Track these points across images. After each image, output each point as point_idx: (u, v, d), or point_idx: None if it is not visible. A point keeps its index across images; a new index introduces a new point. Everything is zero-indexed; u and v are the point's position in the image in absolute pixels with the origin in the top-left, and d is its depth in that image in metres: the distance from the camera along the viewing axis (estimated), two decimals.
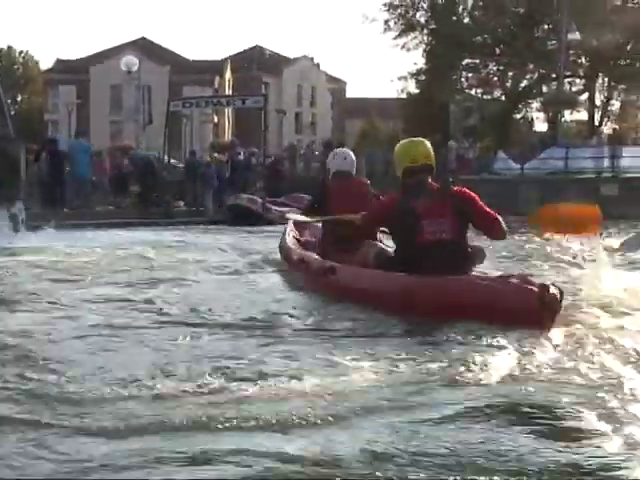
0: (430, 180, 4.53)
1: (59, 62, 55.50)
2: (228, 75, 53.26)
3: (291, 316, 4.30)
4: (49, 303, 5.02)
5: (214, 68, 51.74)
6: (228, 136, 45.89)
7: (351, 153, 6.17)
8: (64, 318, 4.50)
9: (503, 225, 4.46)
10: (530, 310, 3.55)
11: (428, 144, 4.72)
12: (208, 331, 4.00)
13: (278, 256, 6.45)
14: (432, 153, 4.65)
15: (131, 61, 25.75)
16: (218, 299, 4.98)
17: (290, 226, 6.53)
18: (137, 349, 3.69)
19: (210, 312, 4.50)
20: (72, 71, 51.77)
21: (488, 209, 4.46)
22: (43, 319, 4.47)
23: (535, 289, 3.65)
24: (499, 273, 4.41)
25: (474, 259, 4.46)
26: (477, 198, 4.48)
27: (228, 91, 49.56)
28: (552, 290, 3.67)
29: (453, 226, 4.37)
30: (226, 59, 54.94)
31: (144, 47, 48.23)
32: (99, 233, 11.37)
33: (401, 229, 4.49)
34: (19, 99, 60.76)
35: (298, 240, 6.29)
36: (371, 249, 4.67)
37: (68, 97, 44.46)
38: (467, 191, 4.51)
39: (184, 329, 4.04)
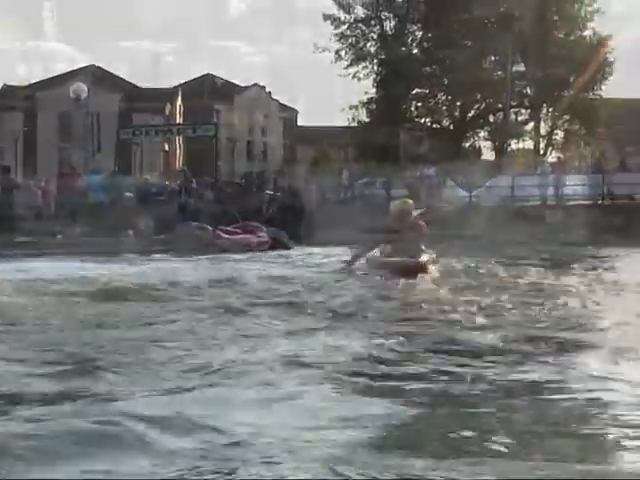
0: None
1: (5, 88, 54.64)
2: (179, 103, 53.14)
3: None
4: None
5: (165, 96, 51.52)
6: (179, 163, 45.64)
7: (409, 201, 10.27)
8: None
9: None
10: (422, 269, 7.98)
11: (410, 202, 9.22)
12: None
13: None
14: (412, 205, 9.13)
15: (80, 88, 25.36)
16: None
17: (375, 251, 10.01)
18: None
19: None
20: (18, 98, 50.94)
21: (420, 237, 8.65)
22: None
23: (421, 262, 8.08)
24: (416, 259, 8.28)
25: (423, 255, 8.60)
26: (423, 231, 8.69)
27: (179, 119, 49.38)
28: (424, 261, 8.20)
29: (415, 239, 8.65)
30: (177, 87, 54.84)
31: (94, 74, 47.79)
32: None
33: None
34: None
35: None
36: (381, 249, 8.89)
37: (14, 124, 43.75)
38: (421, 226, 8.71)
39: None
